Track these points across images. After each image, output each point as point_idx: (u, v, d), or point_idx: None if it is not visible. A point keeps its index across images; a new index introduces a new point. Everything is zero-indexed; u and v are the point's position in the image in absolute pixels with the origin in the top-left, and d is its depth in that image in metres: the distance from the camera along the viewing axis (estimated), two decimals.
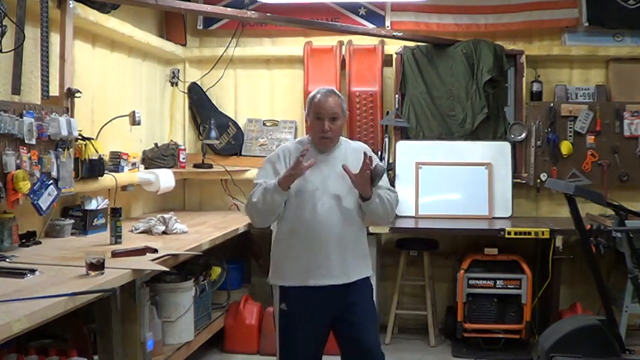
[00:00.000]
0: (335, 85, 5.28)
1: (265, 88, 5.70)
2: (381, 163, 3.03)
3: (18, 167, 3.27)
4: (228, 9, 5.24)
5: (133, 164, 4.63)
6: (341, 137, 3.14)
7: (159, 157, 5.09)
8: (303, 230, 2.98)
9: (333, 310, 3.01)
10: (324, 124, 2.99)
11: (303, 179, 2.94)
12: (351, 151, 3.10)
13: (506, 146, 5.28)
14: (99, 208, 4.09)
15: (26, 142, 3.33)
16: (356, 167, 2.93)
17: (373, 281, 3.27)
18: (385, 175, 3.09)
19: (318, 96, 3.05)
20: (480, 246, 4.92)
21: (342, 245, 3.00)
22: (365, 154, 2.92)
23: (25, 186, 3.28)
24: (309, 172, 2.91)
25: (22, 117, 3.33)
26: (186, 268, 4.21)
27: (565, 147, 5.20)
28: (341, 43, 5.43)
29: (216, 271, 4.67)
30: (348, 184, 2.96)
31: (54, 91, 3.77)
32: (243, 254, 5.49)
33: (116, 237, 3.68)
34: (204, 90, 5.65)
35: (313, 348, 3.08)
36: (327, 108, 3.00)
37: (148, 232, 4.12)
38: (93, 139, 4.12)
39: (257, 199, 2.96)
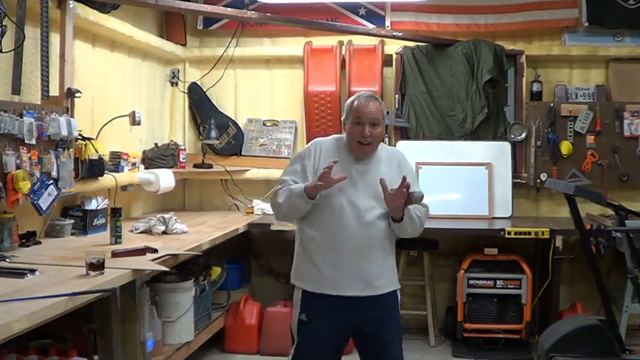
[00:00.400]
0: (335, 85, 5.30)
1: (265, 88, 5.69)
2: (419, 190, 2.89)
3: (18, 167, 3.26)
4: (228, 9, 5.24)
5: (133, 164, 4.63)
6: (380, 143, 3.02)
7: (159, 157, 5.09)
8: (329, 238, 2.86)
9: (354, 322, 2.91)
10: (364, 129, 2.85)
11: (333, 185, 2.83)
12: (385, 158, 2.98)
13: (506, 146, 5.28)
14: (99, 208, 4.09)
15: (26, 142, 3.33)
16: (386, 175, 2.85)
17: None
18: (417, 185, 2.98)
19: (359, 100, 2.92)
20: (480, 246, 4.92)
21: (369, 256, 2.89)
22: (404, 178, 2.78)
23: (25, 186, 3.28)
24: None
25: (22, 117, 3.33)
26: (186, 268, 4.21)
27: (565, 147, 5.20)
28: (341, 43, 5.43)
29: (216, 271, 4.67)
30: (378, 193, 2.85)
31: (54, 91, 3.77)
32: (243, 254, 5.49)
33: (116, 237, 3.68)
34: (204, 90, 5.65)
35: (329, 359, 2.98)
36: (367, 112, 2.87)
37: (148, 232, 4.12)
38: (93, 139, 4.12)
39: (282, 201, 2.86)
